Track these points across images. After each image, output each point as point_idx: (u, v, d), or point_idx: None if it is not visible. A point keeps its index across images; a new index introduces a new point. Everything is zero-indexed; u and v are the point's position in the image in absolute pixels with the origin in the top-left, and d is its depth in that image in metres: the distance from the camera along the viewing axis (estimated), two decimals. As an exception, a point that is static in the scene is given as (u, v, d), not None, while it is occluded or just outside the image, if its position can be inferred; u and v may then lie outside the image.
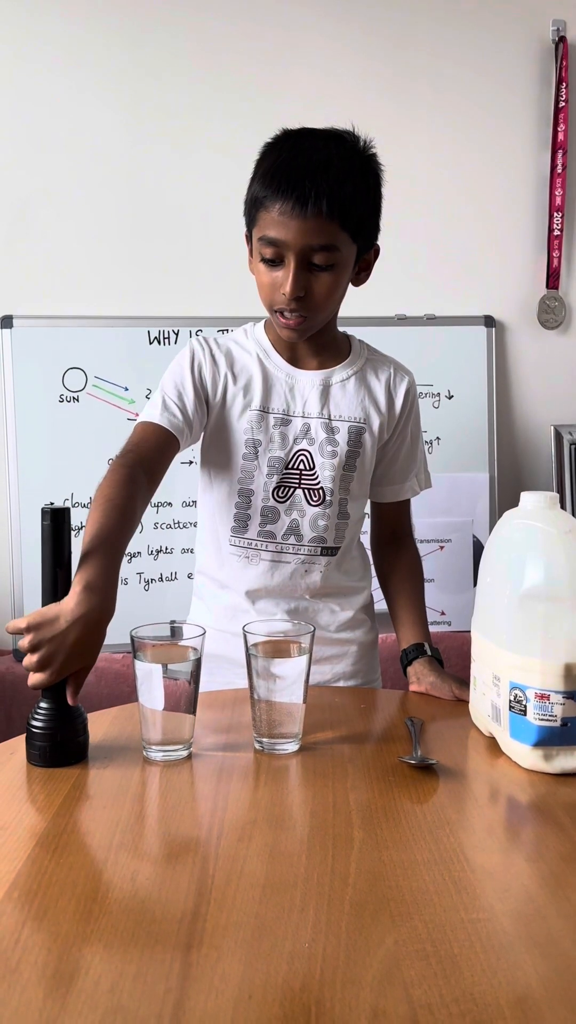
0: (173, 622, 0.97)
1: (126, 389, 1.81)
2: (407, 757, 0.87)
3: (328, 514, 1.15)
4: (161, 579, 1.83)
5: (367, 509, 1.27)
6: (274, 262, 1.02)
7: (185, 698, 0.88)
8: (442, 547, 1.91)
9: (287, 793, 0.81)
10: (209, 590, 1.21)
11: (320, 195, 0.96)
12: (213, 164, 1.83)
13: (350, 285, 1.10)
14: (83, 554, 0.86)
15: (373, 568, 1.29)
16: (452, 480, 1.91)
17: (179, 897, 0.62)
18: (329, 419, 1.14)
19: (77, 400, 1.79)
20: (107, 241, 1.83)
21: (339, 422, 1.14)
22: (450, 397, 1.91)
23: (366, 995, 0.52)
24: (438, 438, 1.92)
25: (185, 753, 0.88)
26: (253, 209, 1.03)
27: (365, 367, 1.18)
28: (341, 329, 1.20)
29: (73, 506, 1.78)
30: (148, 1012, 0.50)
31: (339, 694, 1.11)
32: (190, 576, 1.69)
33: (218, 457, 1.15)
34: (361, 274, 1.11)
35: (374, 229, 1.08)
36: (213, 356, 1.14)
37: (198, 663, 0.89)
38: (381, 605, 1.28)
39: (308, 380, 1.14)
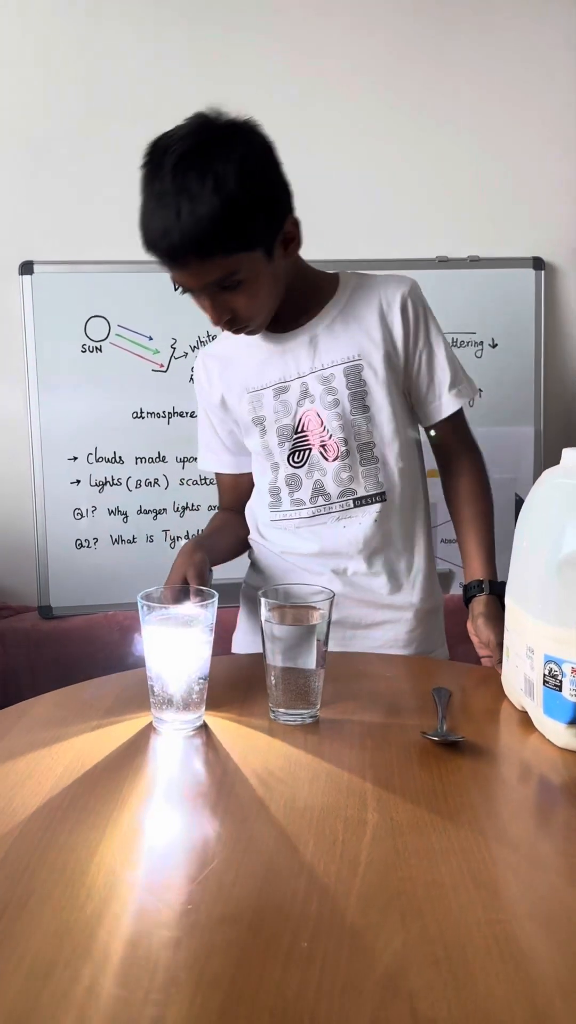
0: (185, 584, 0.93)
1: (151, 339, 1.74)
2: (430, 733, 0.81)
3: (349, 464, 1.11)
4: (187, 536, 1.79)
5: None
6: (190, 291, 1.02)
7: (199, 665, 0.83)
8: (482, 505, 1.82)
9: (299, 769, 0.76)
10: (262, 554, 1.22)
11: (186, 248, 0.93)
12: (243, 102, 1.73)
13: (285, 256, 1.03)
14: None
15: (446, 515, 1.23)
16: (493, 435, 1.81)
17: (173, 884, 0.58)
18: (322, 369, 1.10)
19: (100, 350, 1.73)
20: (132, 182, 1.74)
21: (331, 368, 1.10)
22: (494, 346, 1.81)
23: (366, 1005, 0.47)
24: (480, 390, 1.82)
25: (196, 723, 0.84)
26: None
27: (352, 300, 1.12)
28: (335, 269, 1.15)
29: (97, 460, 1.75)
30: (126, 1018, 0.46)
31: (364, 662, 1.06)
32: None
33: (249, 442, 1.18)
34: (289, 246, 1.04)
35: (272, 215, 0.99)
36: (207, 370, 1.18)
37: (210, 628, 0.84)
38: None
39: (295, 340, 1.11)
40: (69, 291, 1.71)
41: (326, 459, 1.11)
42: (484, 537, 1.15)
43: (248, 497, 1.24)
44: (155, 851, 0.63)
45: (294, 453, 1.12)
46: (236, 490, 1.25)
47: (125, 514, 1.78)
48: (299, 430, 1.12)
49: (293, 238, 1.04)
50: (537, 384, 1.83)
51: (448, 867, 0.60)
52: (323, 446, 1.11)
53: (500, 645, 0.98)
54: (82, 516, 1.75)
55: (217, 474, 1.27)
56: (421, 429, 1.20)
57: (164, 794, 0.72)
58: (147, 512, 1.79)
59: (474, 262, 1.79)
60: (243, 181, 0.93)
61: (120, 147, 1.74)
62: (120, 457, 1.76)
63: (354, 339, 1.10)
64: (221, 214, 0.92)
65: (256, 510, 1.21)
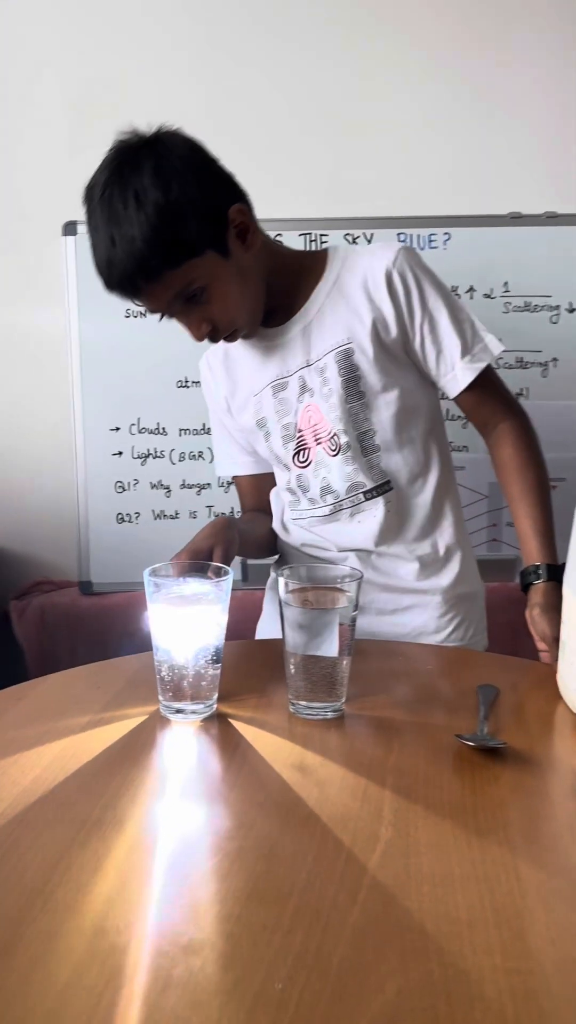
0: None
1: (198, 305, 1.67)
2: (467, 736, 0.71)
3: (351, 457, 1.04)
4: (232, 512, 1.72)
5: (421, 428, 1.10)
6: (163, 315, 0.98)
7: (211, 649, 0.76)
8: (554, 486, 1.67)
9: (312, 771, 0.68)
10: (289, 549, 1.18)
11: (131, 273, 0.91)
12: (304, 47, 1.63)
13: (245, 249, 0.97)
14: None
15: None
16: (567, 409, 1.67)
17: (141, 903, 0.51)
18: (317, 360, 1.04)
19: (144, 316, 1.66)
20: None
21: (323, 357, 1.03)
22: (571, 310, 1.66)
23: (340, 1071, 0.39)
24: (555, 359, 1.67)
25: (206, 713, 0.77)
26: None
27: (340, 280, 1.03)
28: (326, 244, 1.08)
29: (140, 431, 1.70)
30: (52, 1062, 0.39)
31: (403, 650, 0.96)
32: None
33: (259, 449, 1.14)
34: (247, 236, 0.97)
35: (209, 212, 0.93)
36: (212, 369, 1.14)
37: (224, 609, 0.77)
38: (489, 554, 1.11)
39: (289, 333, 1.05)
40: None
41: (329, 454, 1.05)
42: (538, 514, 1.03)
43: (263, 500, 1.20)
44: (129, 861, 0.56)
45: (298, 452, 1.07)
46: (258, 491, 1.19)
47: (168, 488, 1.73)
48: (301, 428, 1.06)
49: (246, 227, 0.97)
50: (620, 354, 1.67)
51: (467, 898, 0.51)
52: (325, 442, 1.05)
53: (557, 639, 0.87)
54: (124, 489, 1.71)
55: (235, 479, 1.22)
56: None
57: (157, 793, 0.65)
58: (190, 487, 1.73)
59: (551, 218, 1.64)
60: (164, 190, 0.89)
61: (163, 106, 1.66)
62: (163, 428, 1.70)
63: (343, 322, 1.02)
64: (152, 229, 0.89)
65: (283, 512, 1.16)
